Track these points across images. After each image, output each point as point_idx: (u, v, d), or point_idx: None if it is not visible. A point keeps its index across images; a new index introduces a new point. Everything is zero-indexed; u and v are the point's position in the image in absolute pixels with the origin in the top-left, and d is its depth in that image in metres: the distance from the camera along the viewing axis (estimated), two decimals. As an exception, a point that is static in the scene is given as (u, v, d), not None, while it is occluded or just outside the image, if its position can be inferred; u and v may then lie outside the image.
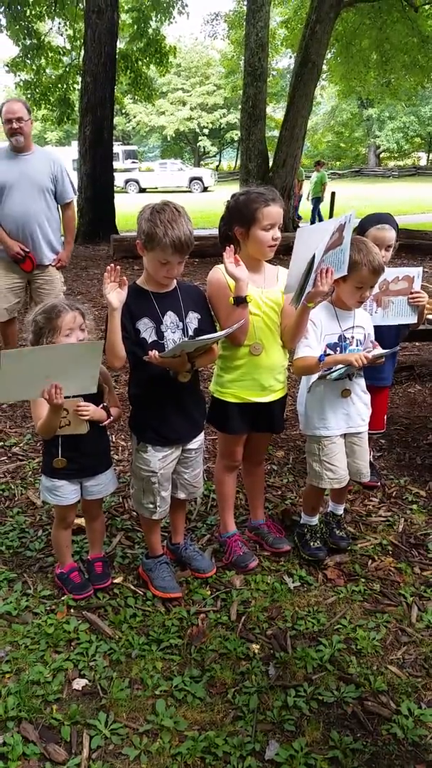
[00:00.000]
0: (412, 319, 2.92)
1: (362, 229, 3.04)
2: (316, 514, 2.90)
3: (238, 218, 2.42)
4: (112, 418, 2.42)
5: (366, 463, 2.78)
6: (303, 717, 2.02)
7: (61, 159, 4.53)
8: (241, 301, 2.35)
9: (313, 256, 2.15)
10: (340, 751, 1.89)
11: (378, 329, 2.79)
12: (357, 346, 2.61)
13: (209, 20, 37.76)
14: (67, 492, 2.43)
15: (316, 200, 15.89)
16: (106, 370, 2.45)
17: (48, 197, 4.37)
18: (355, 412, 2.67)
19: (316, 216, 15.74)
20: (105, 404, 2.40)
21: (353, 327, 2.61)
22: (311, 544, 2.81)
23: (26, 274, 4.47)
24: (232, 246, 2.38)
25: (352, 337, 2.61)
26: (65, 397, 2.17)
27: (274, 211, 2.37)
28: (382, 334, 2.83)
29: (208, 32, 47.47)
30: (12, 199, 4.24)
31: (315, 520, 2.89)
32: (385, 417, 3.44)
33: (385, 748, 1.92)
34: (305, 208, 17.00)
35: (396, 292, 2.82)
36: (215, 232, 2.67)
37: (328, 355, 2.53)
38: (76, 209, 4.60)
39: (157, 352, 2.19)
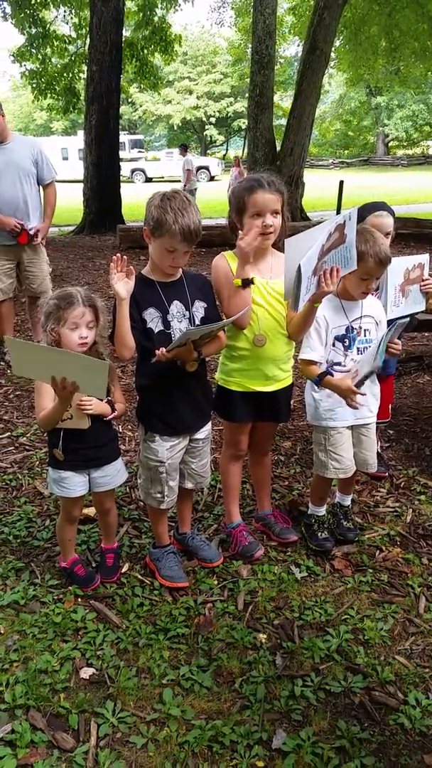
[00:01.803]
0: (422, 307, 2.88)
1: (359, 217, 3.01)
2: (324, 504, 2.89)
3: (233, 207, 2.42)
4: (116, 413, 2.40)
5: (373, 454, 2.77)
6: (310, 706, 2.02)
7: (39, 143, 4.94)
8: (248, 283, 2.34)
9: (299, 267, 2.14)
10: (347, 741, 1.89)
11: None
12: (365, 336, 2.59)
13: (216, 7, 37.33)
14: (73, 483, 2.41)
15: None
16: (113, 365, 2.44)
17: (32, 181, 4.73)
18: (363, 403, 2.65)
19: None
20: (110, 398, 2.38)
21: (361, 317, 2.59)
22: (319, 534, 2.81)
23: (19, 250, 4.76)
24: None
25: (360, 327, 2.58)
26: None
27: (260, 198, 2.32)
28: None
29: (214, 20, 46.92)
30: (0, 185, 4.59)
31: (322, 511, 2.88)
32: (390, 406, 3.43)
33: (393, 737, 1.92)
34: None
35: (412, 281, 2.79)
36: (222, 221, 2.66)
37: (335, 361, 2.54)
38: (56, 188, 5.04)
39: (164, 349, 2.17)
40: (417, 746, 1.89)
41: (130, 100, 40.12)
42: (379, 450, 3.56)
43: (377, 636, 2.30)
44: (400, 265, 2.69)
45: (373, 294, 2.75)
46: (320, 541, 2.79)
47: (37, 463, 3.55)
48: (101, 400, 2.32)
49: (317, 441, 2.73)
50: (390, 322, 2.75)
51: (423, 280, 2.82)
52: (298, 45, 25.53)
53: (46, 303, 2.28)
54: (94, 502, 2.61)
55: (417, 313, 3.01)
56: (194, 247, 2.29)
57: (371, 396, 2.69)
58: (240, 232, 2.35)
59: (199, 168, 33.91)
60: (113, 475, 2.49)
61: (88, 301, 2.26)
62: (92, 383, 2.13)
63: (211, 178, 33.48)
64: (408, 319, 2.54)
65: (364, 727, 1.95)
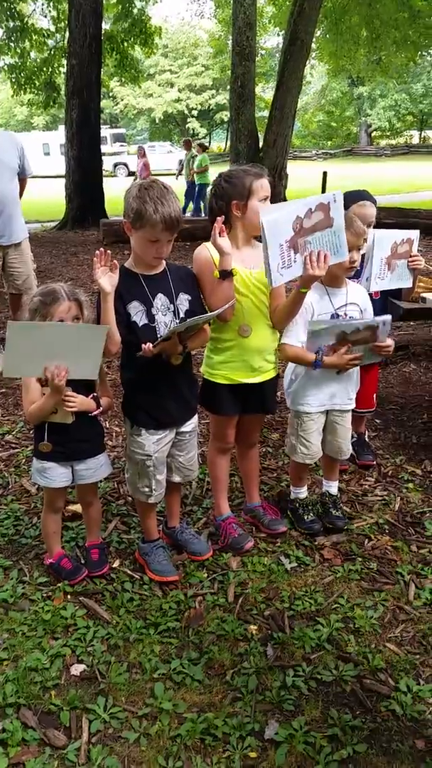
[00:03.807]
0: (408, 283, 2.86)
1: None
2: (304, 485, 2.92)
3: (234, 193, 2.39)
4: (101, 408, 2.40)
5: (347, 441, 2.81)
6: (302, 696, 2.02)
7: (20, 139, 4.98)
8: (227, 275, 2.32)
9: (262, 226, 2.15)
10: (339, 729, 1.89)
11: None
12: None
13: (195, -1, 37.13)
14: (55, 474, 2.42)
15: (201, 186, 14.58)
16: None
17: (14, 177, 4.74)
18: (342, 390, 2.67)
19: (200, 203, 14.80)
20: (95, 394, 2.39)
21: (346, 304, 2.59)
22: (305, 517, 2.83)
23: (2, 248, 4.73)
24: (222, 217, 2.35)
25: (345, 315, 2.58)
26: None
27: (267, 184, 2.40)
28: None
29: (194, 11, 46.68)
30: None
31: (304, 492, 2.91)
32: (375, 395, 3.43)
33: (384, 724, 1.92)
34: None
35: (400, 255, 2.77)
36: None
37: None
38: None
39: (150, 345, 2.16)
40: (409, 732, 1.90)
41: (110, 94, 39.73)
42: (366, 439, 3.57)
43: (368, 624, 2.31)
44: (387, 238, 2.67)
45: (355, 280, 2.76)
46: (308, 524, 2.81)
47: (24, 461, 3.52)
48: (92, 384, 2.35)
49: (291, 424, 2.79)
50: (373, 306, 2.75)
51: (411, 256, 2.79)
52: (279, 36, 25.46)
53: (31, 301, 2.31)
54: (77, 495, 2.61)
55: (401, 308, 3.01)
56: (178, 240, 2.27)
57: (352, 382, 2.70)
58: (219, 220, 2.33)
59: (182, 160, 33.77)
60: (96, 468, 2.49)
61: (72, 295, 2.28)
62: (86, 359, 2.17)
63: (195, 171, 33.29)
64: (389, 320, 2.55)
65: (356, 715, 1.95)
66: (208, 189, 14.27)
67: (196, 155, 15.08)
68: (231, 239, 2.37)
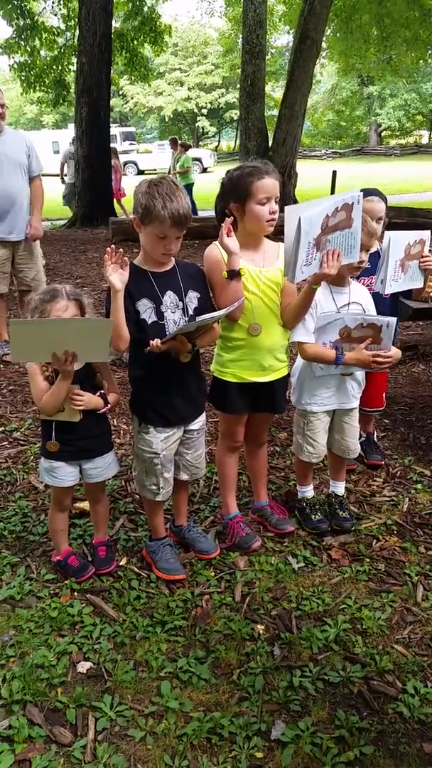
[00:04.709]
0: (420, 283, 2.85)
1: None
2: (310, 483, 2.92)
3: (233, 194, 2.38)
4: (109, 406, 2.40)
5: (355, 440, 2.81)
6: (309, 697, 2.01)
7: (29, 138, 5.02)
8: (234, 274, 2.31)
9: (299, 221, 2.13)
10: (346, 730, 1.88)
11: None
12: None
13: (206, -3, 37.07)
14: (64, 474, 2.42)
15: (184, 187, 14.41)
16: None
17: (24, 174, 4.78)
18: (347, 389, 2.67)
19: None
20: (103, 392, 2.39)
21: (349, 304, 2.58)
22: (312, 517, 2.82)
23: (12, 245, 4.78)
24: (231, 218, 2.33)
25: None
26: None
27: (269, 184, 2.32)
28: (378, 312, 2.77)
29: (204, 10, 46.67)
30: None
31: (310, 491, 2.90)
32: (385, 395, 3.42)
33: (392, 726, 1.91)
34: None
35: (412, 256, 2.75)
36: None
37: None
38: (42, 181, 5.11)
39: (159, 341, 2.15)
40: (416, 734, 1.89)
41: (121, 92, 39.82)
42: (375, 439, 3.56)
43: (375, 625, 2.29)
44: (402, 240, 2.66)
45: (363, 279, 2.75)
46: (315, 524, 2.80)
47: (32, 458, 3.52)
48: (99, 382, 2.34)
49: (296, 423, 2.78)
50: (383, 305, 2.73)
51: (423, 257, 2.78)
52: (289, 34, 25.39)
53: (32, 299, 2.30)
54: (85, 493, 2.62)
55: (410, 308, 2.99)
56: (188, 238, 2.27)
57: (356, 382, 2.70)
58: (226, 221, 2.32)
59: (193, 159, 33.75)
60: (104, 467, 2.49)
61: (72, 295, 2.28)
62: (94, 348, 2.15)
63: (204, 170, 33.27)
64: (393, 322, 2.54)
65: (363, 717, 1.94)
66: (192, 189, 14.24)
67: (180, 156, 14.90)
68: (239, 239, 2.35)
